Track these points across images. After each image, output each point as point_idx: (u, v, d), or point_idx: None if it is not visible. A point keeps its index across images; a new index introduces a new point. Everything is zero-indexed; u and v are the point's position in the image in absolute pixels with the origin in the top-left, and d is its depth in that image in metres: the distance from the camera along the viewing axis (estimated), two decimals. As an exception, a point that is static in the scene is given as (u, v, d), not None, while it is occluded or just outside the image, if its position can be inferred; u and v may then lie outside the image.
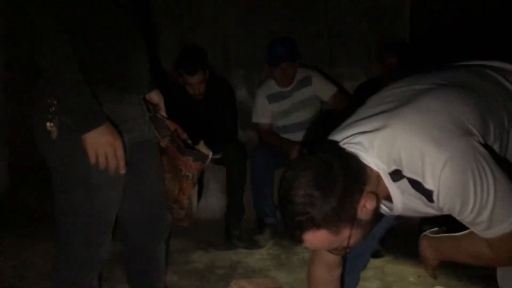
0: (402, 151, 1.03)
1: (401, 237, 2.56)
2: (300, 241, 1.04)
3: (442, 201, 1.02)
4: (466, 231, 1.17)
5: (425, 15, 3.58)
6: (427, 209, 1.10)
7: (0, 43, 3.23)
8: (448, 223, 1.31)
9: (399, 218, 1.36)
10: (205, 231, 2.94)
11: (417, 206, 1.10)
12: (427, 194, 1.03)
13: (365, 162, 1.07)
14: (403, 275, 2.38)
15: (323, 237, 1.02)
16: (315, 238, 1.02)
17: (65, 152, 1.32)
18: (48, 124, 1.29)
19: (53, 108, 1.29)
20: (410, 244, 1.30)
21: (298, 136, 2.94)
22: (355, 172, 1.04)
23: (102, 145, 1.24)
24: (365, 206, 1.04)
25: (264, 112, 2.97)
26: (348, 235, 1.04)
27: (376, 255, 2.55)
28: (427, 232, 1.32)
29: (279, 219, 2.72)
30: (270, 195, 2.86)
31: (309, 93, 2.92)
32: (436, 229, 1.33)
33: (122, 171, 1.31)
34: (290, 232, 1.04)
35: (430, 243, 1.27)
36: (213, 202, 3.16)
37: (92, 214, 1.36)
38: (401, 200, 1.10)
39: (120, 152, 1.29)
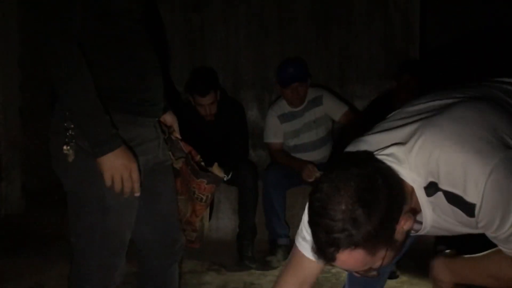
0: (441, 162, 0.97)
1: (416, 258, 2.52)
2: (332, 259, 0.96)
3: (482, 215, 0.97)
4: (488, 252, 1.14)
5: (436, 33, 3.60)
6: (457, 227, 1.05)
7: (16, 67, 3.29)
8: (464, 243, 1.30)
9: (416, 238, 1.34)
10: (217, 252, 2.92)
11: (447, 223, 1.05)
12: (467, 208, 0.97)
13: (401, 176, 1.01)
14: (419, 296, 2.34)
15: (358, 257, 0.95)
16: (350, 257, 0.94)
17: (81, 175, 1.33)
18: (65, 147, 1.31)
19: (71, 132, 1.31)
20: (425, 265, 1.27)
21: (309, 156, 2.94)
22: (396, 189, 0.97)
23: (117, 168, 1.26)
24: (403, 227, 0.98)
25: (275, 132, 2.98)
26: (382, 256, 0.97)
27: (391, 276, 2.51)
28: (440, 254, 1.30)
29: (291, 239, 2.71)
30: (282, 215, 2.85)
31: (320, 113, 2.94)
32: (448, 251, 1.31)
33: (137, 194, 1.33)
34: (322, 249, 0.95)
35: (445, 265, 1.24)
36: (225, 223, 3.15)
37: (107, 236, 1.36)
38: (432, 218, 1.05)
39: (135, 175, 1.30)
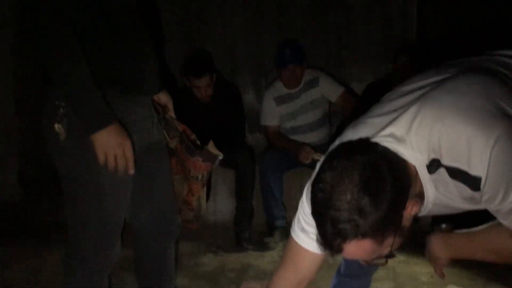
0: (442, 137, 0.95)
1: (413, 237, 2.53)
2: (339, 251, 0.93)
3: (487, 188, 0.94)
4: (486, 226, 1.14)
5: (434, 16, 3.57)
6: (458, 203, 1.04)
7: (9, 55, 3.26)
8: (461, 221, 1.29)
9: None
10: (215, 234, 2.93)
11: (448, 200, 1.03)
12: (472, 182, 0.95)
13: (403, 157, 0.97)
14: (415, 275, 2.35)
15: (366, 247, 0.92)
16: (357, 248, 0.91)
17: (75, 156, 1.32)
18: (56, 125, 1.30)
19: (62, 110, 1.30)
20: (422, 244, 1.26)
21: (306, 138, 2.93)
22: (401, 173, 0.94)
23: (111, 146, 1.25)
24: (410, 212, 0.95)
25: (272, 114, 2.97)
26: (390, 244, 0.95)
27: (387, 255, 2.52)
28: (437, 230, 1.29)
29: (288, 222, 2.71)
30: (279, 197, 2.85)
31: (317, 94, 2.92)
32: (444, 226, 1.30)
33: (131, 172, 1.32)
34: (329, 241, 0.92)
35: (444, 241, 1.23)
36: (222, 206, 3.15)
37: (102, 216, 1.36)
38: (434, 196, 1.03)
39: (129, 153, 1.29)
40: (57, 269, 2.23)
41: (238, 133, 3.10)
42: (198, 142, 1.68)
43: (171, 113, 1.68)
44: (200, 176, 1.64)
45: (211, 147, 1.66)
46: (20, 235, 2.87)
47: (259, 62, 3.39)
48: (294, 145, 2.87)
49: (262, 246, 2.70)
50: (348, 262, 1.71)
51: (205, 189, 1.76)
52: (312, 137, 2.96)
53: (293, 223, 1.20)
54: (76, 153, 1.31)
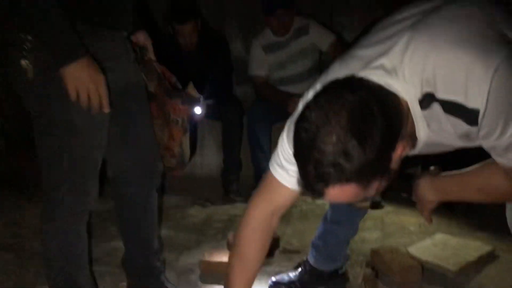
0: (437, 66, 0.88)
1: (402, 189, 2.51)
2: (321, 194, 0.87)
3: (485, 121, 0.88)
4: (476, 166, 1.09)
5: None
6: (452, 141, 0.98)
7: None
8: (451, 164, 1.24)
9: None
10: (202, 188, 2.90)
11: (441, 138, 0.97)
12: (469, 116, 0.89)
13: (394, 91, 0.90)
14: (404, 225, 2.34)
15: (350, 192, 0.86)
16: (341, 192, 0.85)
17: (44, 92, 1.24)
18: (23, 62, 1.21)
19: (28, 44, 1.20)
20: (411, 195, 1.21)
21: (296, 88, 2.83)
22: (392, 113, 0.87)
23: (82, 80, 1.16)
24: (400, 154, 0.88)
25: (260, 63, 2.86)
26: (375, 187, 0.88)
27: (376, 206, 2.50)
28: (424, 173, 1.24)
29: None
30: (267, 150, 2.79)
31: (307, 43, 2.81)
32: (433, 168, 1.25)
33: (106, 110, 1.24)
34: (311, 184, 0.86)
35: (431, 183, 1.17)
36: (210, 159, 3.10)
37: (76, 158, 1.29)
38: (426, 134, 0.96)
39: (103, 90, 1.21)
40: (37, 222, 2.19)
41: (225, 84, 3.00)
42: (179, 85, 1.60)
43: (150, 55, 1.58)
44: (180, 121, 1.57)
45: (191, 89, 1.57)
46: (1, 187, 2.82)
47: (248, 10, 3.23)
48: (283, 96, 2.78)
49: (250, 198, 2.67)
50: (335, 209, 1.68)
51: (187, 135, 1.69)
52: (301, 88, 2.84)
53: (272, 157, 1.16)
54: (45, 90, 1.23)
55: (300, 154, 0.87)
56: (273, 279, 1.72)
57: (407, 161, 1.15)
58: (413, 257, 1.89)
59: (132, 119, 1.45)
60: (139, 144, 1.48)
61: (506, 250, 2.00)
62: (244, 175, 2.88)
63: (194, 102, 1.56)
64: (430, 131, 0.96)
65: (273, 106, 2.78)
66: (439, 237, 2.08)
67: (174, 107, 1.52)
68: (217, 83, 2.87)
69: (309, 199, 2.70)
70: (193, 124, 2.65)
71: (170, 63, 1.77)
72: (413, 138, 0.97)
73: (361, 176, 0.83)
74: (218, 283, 1.75)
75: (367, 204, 0.99)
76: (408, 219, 2.40)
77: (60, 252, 1.34)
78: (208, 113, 2.79)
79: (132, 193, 1.53)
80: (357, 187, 0.85)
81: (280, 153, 1.13)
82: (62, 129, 1.26)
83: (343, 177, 0.83)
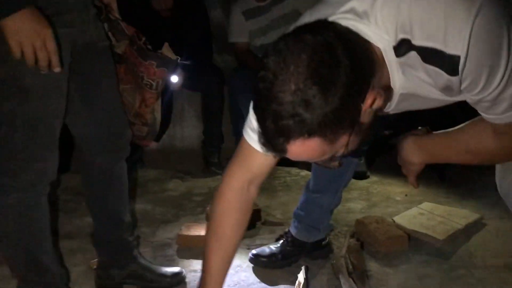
0: (413, 10, 0.79)
1: (388, 159, 2.44)
2: (282, 151, 0.78)
3: (467, 69, 0.80)
4: (463, 125, 1.00)
5: None
6: (432, 95, 0.89)
7: None
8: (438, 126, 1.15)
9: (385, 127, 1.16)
10: (182, 161, 2.81)
11: (422, 90, 0.88)
12: (449, 64, 0.80)
13: (366, 37, 0.81)
14: (389, 195, 2.28)
15: (314, 147, 0.77)
16: (304, 148, 0.77)
17: None
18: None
19: None
20: (397, 166, 1.12)
21: (278, 56, 2.72)
22: (361, 57, 0.78)
23: (26, 34, 1.03)
24: (371, 106, 0.79)
25: (240, 30, 2.73)
26: (345, 143, 0.79)
27: (361, 176, 2.44)
28: (409, 134, 1.14)
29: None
30: (249, 120, 2.69)
31: (289, 7, 2.67)
32: (420, 128, 1.15)
33: (56, 69, 1.11)
34: (271, 140, 0.78)
35: (417, 144, 1.07)
36: (190, 131, 3.00)
37: (30, 124, 1.17)
38: (401, 84, 0.87)
39: (52, 45, 1.07)
40: None
41: (204, 53, 2.86)
42: (150, 47, 1.47)
43: (115, 14, 1.45)
44: (154, 84, 1.45)
45: (167, 50, 1.45)
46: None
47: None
48: (265, 63, 2.66)
49: (232, 170, 2.57)
50: (317, 177, 1.60)
51: (160, 101, 1.57)
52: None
53: (246, 122, 1.06)
54: None
55: (258, 107, 0.78)
56: (254, 252, 1.64)
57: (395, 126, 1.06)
58: (399, 227, 1.83)
59: (94, 81, 1.32)
60: (104, 110, 1.35)
61: (493, 218, 1.95)
62: (225, 147, 2.78)
63: (170, 64, 1.44)
64: (407, 81, 0.86)
65: (254, 75, 2.63)
66: (426, 206, 2.02)
67: (148, 69, 1.40)
68: (195, 51, 2.72)
69: (293, 170, 2.62)
70: (169, 94, 2.53)
71: (144, 27, 1.64)
72: (388, 90, 0.86)
73: (325, 129, 0.74)
74: (196, 257, 1.67)
75: (337, 163, 0.88)
76: (394, 189, 2.34)
77: (18, 227, 1.23)
78: (187, 84, 2.67)
79: (98, 162, 1.41)
80: (322, 142, 0.76)
81: (251, 115, 1.02)
82: (12, 93, 1.14)
83: (305, 130, 0.73)
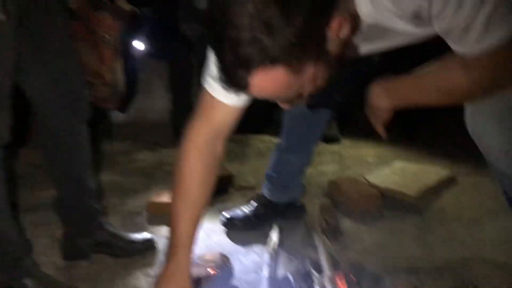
0: None
1: (360, 124, 2.43)
2: (244, 85, 0.71)
3: None
4: (433, 64, 0.96)
5: None
6: (401, 25, 0.84)
7: None
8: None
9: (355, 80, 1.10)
10: (152, 133, 2.72)
11: (390, 21, 0.83)
12: None
13: None
14: (361, 157, 2.28)
15: (279, 78, 0.70)
16: (267, 79, 0.69)
17: None
18: None
19: None
20: (369, 129, 1.08)
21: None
22: None
23: None
24: (337, 33, 0.73)
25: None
26: (312, 75, 0.73)
27: (333, 139, 2.42)
28: (378, 79, 1.10)
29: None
30: (219, 89, 2.62)
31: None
32: (390, 73, 1.11)
33: (1, 16, 1.02)
34: (230, 72, 0.70)
35: (385, 89, 1.01)
36: (159, 103, 2.90)
37: None
38: (369, 13, 0.81)
39: None
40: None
41: (170, 21, 2.75)
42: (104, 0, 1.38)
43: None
44: (112, 40, 1.37)
45: (122, 1, 1.36)
46: None
47: None
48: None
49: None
50: (288, 136, 1.56)
51: (121, 62, 1.49)
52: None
53: (205, 71, 0.99)
54: None
55: (213, 36, 0.69)
56: (226, 214, 1.60)
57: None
58: (372, 185, 1.82)
59: (45, 36, 1.23)
60: (57, 67, 1.26)
61: (464, 174, 1.97)
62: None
63: (126, 16, 1.36)
64: (374, 9, 0.81)
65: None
66: (398, 164, 2.02)
67: (103, 22, 1.32)
68: (161, 19, 2.63)
69: (266, 137, 2.58)
70: (134, 61, 2.43)
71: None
72: (354, 18, 0.81)
73: (289, 55, 0.68)
74: (166, 224, 1.62)
75: (305, 99, 0.82)
76: (366, 151, 2.33)
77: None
78: (153, 53, 2.57)
79: (55, 126, 1.32)
80: (287, 71, 0.69)
81: (211, 62, 0.95)
82: None
83: (267, 57, 0.67)
